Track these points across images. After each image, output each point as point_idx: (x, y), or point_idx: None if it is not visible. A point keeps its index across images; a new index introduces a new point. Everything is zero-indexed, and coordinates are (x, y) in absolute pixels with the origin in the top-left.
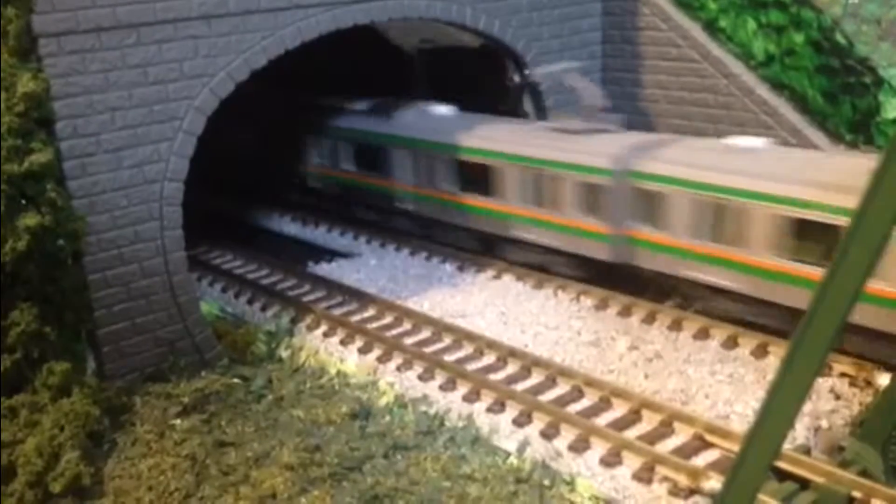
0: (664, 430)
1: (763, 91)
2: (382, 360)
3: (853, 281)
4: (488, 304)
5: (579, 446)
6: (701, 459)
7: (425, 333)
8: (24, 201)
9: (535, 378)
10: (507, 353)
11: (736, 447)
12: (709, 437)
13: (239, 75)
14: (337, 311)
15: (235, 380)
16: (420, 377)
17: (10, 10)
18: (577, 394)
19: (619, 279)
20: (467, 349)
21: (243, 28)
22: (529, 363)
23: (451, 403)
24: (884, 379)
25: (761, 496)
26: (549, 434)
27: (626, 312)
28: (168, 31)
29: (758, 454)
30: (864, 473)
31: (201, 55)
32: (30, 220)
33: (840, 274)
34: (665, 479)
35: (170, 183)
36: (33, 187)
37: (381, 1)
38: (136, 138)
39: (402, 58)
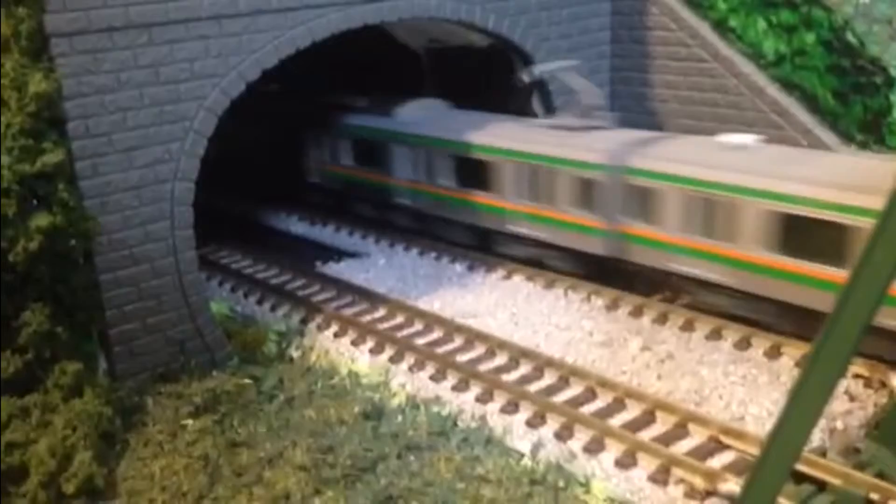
0: (679, 431)
1: (773, 91)
2: (394, 360)
3: (878, 283)
4: (499, 305)
5: (594, 447)
6: (717, 461)
7: (437, 334)
8: (35, 201)
9: (548, 379)
10: (520, 354)
11: (751, 449)
12: (724, 439)
13: (250, 75)
14: (347, 311)
15: (246, 380)
16: (432, 378)
17: (22, 9)
18: (590, 395)
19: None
20: (479, 349)
21: (254, 28)
22: (542, 364)
23: (464, 404)
24: None
25: (779, 499)
26: (563, 435)
27: (637, 313)
28: (179, 31)
29: (779, 457)
30: (880, 475)
31: (212, 55)
32: (42, 220)
33: (864, 276)
34: (681, 480)
35: (180, 183)
36: (45, 187)
37: (391, 1)
38: (148, 138)
39: (410, 57)
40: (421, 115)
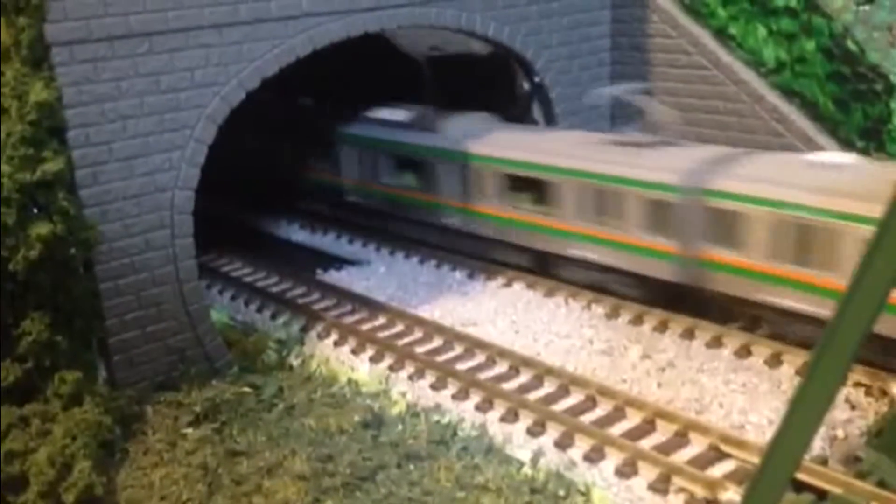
0: (679, 440)
1: (774, 98)
2: (394, 368)
3: (878, 290)
4: (499, 312)
5: (594, 456)
6: (717, 470)
7: (437, 342)
8: (35, 210)
9: (548, 387)
10: (520, 362)
11: (752, 457)
12: (724, 448)
13: (250, 83)
14: (347, 319)
15: (246, 388)
16: (432, 386)
17: (23, 19)
18: (590, 403)
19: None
20: (479, 358)
21: (254, 36)
22: (542, 372)
23: (464, 413)
24: None
25: None
26: (563, 444)
27: (637, 321)
28: (180, 39)
29: (779, 466)
30: (881, 484)
31: (212, 64)
32: (42, 228)
33: (864, 283)
34: (681, 489)
35: (181, 191)
36: (45, 196)
37: (391, 9)
38: (148, 147)
39: (411, 65)
40: None
